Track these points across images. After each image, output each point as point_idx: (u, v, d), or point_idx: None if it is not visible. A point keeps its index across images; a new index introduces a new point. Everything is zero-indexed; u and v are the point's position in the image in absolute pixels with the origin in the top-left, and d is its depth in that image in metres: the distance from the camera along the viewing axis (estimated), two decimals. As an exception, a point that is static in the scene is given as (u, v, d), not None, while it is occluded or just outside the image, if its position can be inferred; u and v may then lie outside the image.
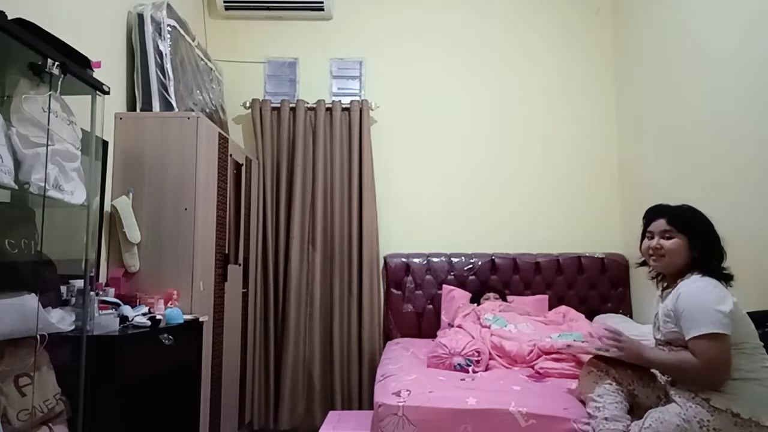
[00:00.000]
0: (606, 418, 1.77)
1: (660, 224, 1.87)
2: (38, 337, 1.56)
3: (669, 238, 1.85)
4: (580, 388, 1.98)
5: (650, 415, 1.72)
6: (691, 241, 1.82)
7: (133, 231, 2.45)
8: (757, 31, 2.40)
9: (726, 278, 1.79)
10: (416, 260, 3.60)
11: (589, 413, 1.85)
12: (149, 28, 2.70)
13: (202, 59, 3.25)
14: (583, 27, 3.86)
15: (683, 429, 1.62)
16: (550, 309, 3.38)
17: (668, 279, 1.91)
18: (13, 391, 1.50)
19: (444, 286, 3.51)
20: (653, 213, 1.93)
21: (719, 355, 1.64)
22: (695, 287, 1.73)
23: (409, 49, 3.86)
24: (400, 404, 1.97)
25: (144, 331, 2.04)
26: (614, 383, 1.84)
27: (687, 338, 1.69)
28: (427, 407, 1.95)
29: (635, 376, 1.86)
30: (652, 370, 1.90)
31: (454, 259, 3.61)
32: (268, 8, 3.72)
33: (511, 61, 3.84)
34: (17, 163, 1.54)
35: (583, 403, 1.93)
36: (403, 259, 3.60)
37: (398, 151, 3.79)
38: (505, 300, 3.34)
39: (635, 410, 1.85)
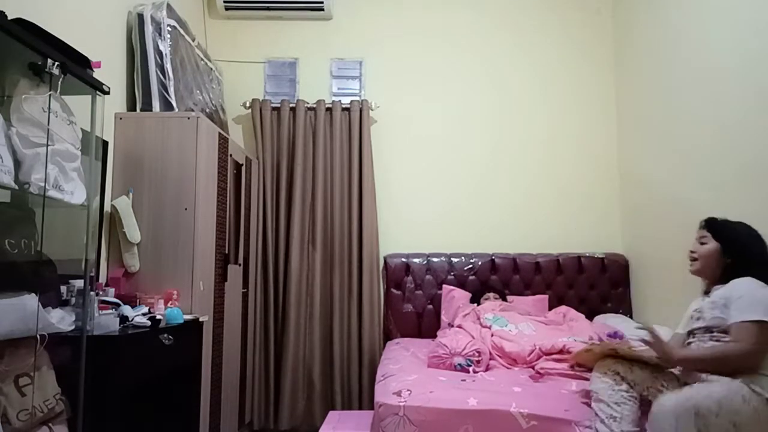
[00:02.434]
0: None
1: (700, 231, 2.04)
2: (38, 337, 1.56)
3: (703, 244, 2.00)
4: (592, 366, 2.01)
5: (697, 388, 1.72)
6: (725, 248, 1.95)
7: (133, 231, 2.45)
8: (757, 30, 2.40)
9: None
10: (416, 260, 3.60)
11: (597, 414, 1.85)
12: (149, 28, 2.70)
13: (202, 59, 3.24)
14: (583, 27, 3.86)
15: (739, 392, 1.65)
16: (550, 309, 3.38)
17: (709, 283, 2.02)
18: (13, 391, 1.50)
19: (444, 286, 3.50)
20: (701, 223, 2.08)
21: (761, 341, 1.71)
22: (751, 281, 1.83)
23: (409, 49, 3.86)
24: (401, 404, 1.97)
25: (144, 331, 2.04)
26: (630, 389, 1.86)
27: (735, 321, 1.77)
28: (428, 407, 1.96)
29: (652, 378, 1.90)
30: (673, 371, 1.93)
31: (454, 259, 3.61)
32: (268, 8, 3.72)
33: (510, 60, 3.84)
34: (17, 163, 1.54)
35: (587, 404, 1.94)
36: (403, 259, 3.60)
37: (398, 151, 3.79)
38: (505, 300, 3.34)
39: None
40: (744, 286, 1.82)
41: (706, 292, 2.00)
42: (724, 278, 1.93)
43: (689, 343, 1.96)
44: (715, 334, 1.85)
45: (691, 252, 2.04)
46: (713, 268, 1.98)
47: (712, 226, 2.03)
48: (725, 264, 1.95)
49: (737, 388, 1.66)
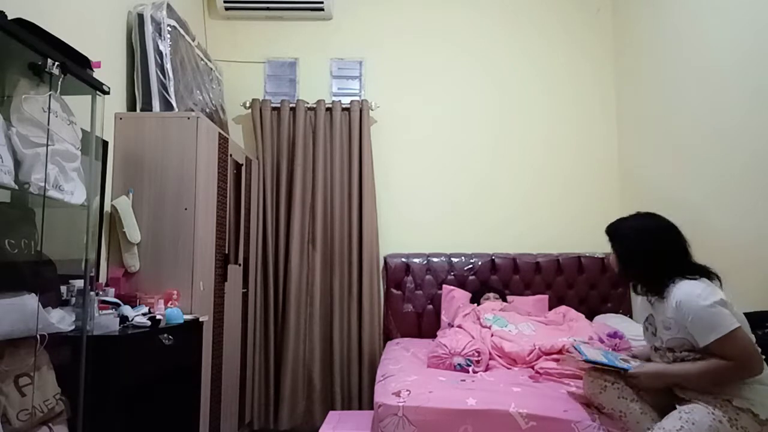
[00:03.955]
0: None
1: None
2: (38, 337, 1.56)
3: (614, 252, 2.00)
4: (592, 395, 1.97)
5: (676, 416, 1.69)
6: (619, 259, 1.96)
7: (133, 231, 2.45)
8: (757, 30, 2.40)
9: (706, 275, 1.80)
10: (416, 260, 3.60)
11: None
12: (149, 28, 2.70)
13: (202, 59, 3.25)
14: (583, 27, 3.87)
15: (716, 428, 1.61)
16: (550, 309, 3.38)
17: (647, 290, 1.93)
18: (13, 391, 1.50)
19: (444, 286, 3.50)
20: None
21: (747, 346, 1.66)
22: (687, 289, 1.74)
23: (409, 49, 3.86)
24: (400, 404, 1.97)
25: (144, 331, 2.04)
26: (640, 400, 1.84)
27: (706, 343, 1.67)
28: (427, 407, 1.95)
29: (616, 399, 1.88)
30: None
31: (454, 259, 3.61)
32: (268, 8, 3.72)
33: (510, 60, 3.85)
34: (17, 163, 1.54)
35: (586, 405, 1.94)
36: (403, 259, 3.60)
37: (398, 151, 3.79)
38: (505, 300, 3.34)
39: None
40: (687, 301, 1.71)
41: (645, 294, 1.94)
42: (654, 286, 1.87)
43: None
44: (678, 353, 1.78)
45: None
46: (628, 277, 1.97)
47: (608, 234, 2.00)
48: (631, 275, 1.93)
49: (720, 415, 1.62)
